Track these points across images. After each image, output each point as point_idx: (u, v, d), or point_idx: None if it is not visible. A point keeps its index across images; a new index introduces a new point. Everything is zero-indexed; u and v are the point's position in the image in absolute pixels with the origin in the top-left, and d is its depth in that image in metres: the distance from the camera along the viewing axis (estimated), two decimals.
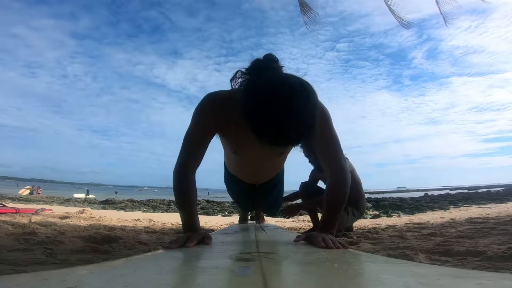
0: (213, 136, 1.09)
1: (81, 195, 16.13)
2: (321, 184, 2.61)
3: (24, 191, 14.80)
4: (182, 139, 1.05)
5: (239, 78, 0.92)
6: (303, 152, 2.32)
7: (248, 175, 1.51)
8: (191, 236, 0.88)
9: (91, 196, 16.52)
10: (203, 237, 0.91)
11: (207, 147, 1.08)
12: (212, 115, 1.01)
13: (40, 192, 15.85)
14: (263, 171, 1.47)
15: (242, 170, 1.49)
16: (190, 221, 1.00)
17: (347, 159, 2.48)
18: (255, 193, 1.61)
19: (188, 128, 1.05)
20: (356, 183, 2.42)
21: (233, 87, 0.94)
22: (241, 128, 0.82)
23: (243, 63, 0.93)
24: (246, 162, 1.34)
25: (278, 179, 1.64)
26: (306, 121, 0.72)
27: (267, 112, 0.70)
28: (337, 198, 1.02)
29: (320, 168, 1.83)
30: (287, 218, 2.71)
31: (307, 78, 0.79)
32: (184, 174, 1.03)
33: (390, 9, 4.36)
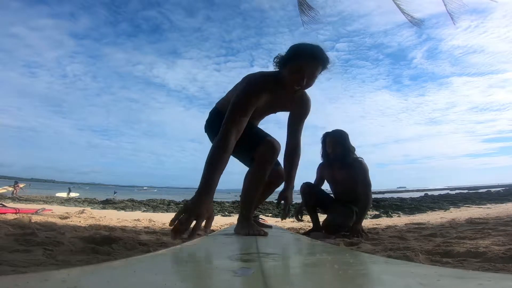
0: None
1: (64, 194, 15.30)
2: (326, 185, 2.59)
3: (1, 190, 12.88)
4: (232, 104, 1.26)
5: (276, 59, 1.33)
6: (323, 150, 2.51)
7: None
8: (198, 218, 0.97)
9: (72, 194, 15.68)
10: (208, 218, 1.02)
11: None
12: (261, 90, 1.30)
13: (18, 189, 13.69)
14: None
15: None
16: (208, 185, 1.05)
17: (363, 160, 2.48)
18: None
19: (239, 98, 1.28)
20: (367, 185, 2.42)
21: (274, 67, 1.36)
22: (270, 98, 1.35)
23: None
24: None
25: None
26: (325, 62, 1.27)
27: (304, 49, 1.24)
28: (297, 158, 1.52)
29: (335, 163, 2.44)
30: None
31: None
32: (228, 135, 1.18)
33: (399, 7, 4.33)
